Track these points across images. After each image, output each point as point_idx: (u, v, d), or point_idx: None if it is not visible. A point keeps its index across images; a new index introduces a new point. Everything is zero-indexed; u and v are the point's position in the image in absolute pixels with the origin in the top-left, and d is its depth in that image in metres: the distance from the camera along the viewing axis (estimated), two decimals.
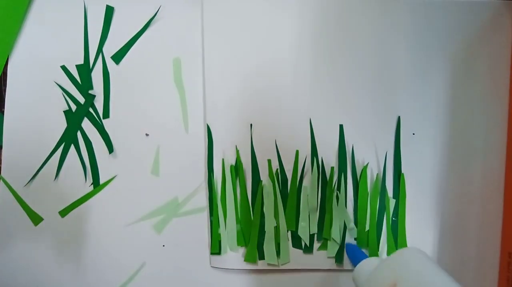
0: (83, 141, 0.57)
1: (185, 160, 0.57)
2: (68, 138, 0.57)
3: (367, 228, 0.56)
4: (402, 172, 0.56)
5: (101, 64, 0.57)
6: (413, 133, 0.57)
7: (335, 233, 0.55)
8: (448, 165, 0.57)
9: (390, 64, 0.57)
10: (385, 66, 0.57)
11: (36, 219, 0.56)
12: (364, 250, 0.55)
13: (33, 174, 0.56)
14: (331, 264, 0.56)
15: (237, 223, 0.56)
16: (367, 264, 0.48)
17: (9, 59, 0.57)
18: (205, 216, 0.56)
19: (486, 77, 0.58)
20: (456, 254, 0.57)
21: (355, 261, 0.50)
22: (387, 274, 0.43)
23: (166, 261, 0.56)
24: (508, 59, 0.58)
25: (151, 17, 0.57)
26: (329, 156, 0.56)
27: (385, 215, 0.56)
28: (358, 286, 0.48)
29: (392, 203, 0.56)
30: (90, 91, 0.57)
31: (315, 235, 0.56)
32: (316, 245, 0.56)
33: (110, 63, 0.58)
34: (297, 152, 0.56)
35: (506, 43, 0.58)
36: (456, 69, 0.58)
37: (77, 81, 0.57)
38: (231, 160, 0.56)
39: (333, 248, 0.55)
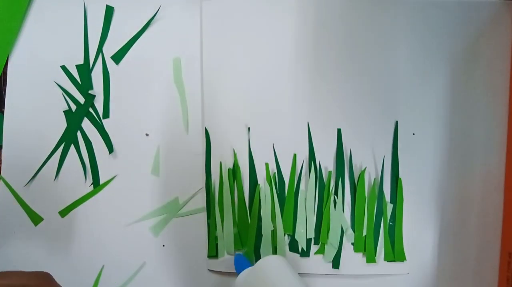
0: (83, 142, 0.57)
1: (185, 160, 0.57)
2: (68, 139, 0.57)
3: (364, 232, 0.56)
4: (400, 176, 0.56)
5: (101, 64, 0.58)
6: (413, 133, 0.57)
7: (332, 237, 0.55)
8: (448, 165, 0.57)
9: (389, 66, 0.56)
10: (384, 68, 0.56)
11: (36, 219, 0.57)
12: (360, 254, 0.56)
13: (33, 174, 0.57)
14: (327, 268, 0.56)
15: (234, 227, 0.56)
16: (243, 274, 0.50)
17: (9, 59, 0.57)
18: (205, 216, 0.57)
19: (486, 77, 0.57)
20: (456, 254, 0.57)
21: (238, 271, 0.51)
22: (250, 284, 0.49)
23: (166, 261, 0.57)
24: (508, 59, 0.57)
25: (151, 17, 0.57)
26: (326, 160, 0.56)
27: (382, 220, 0.56)
28: None
29: (389, 207, 0.56)
30: (90, 91, 0.57)
31: (312, 239, 0.56)
32: (313, 249, 0.56)
33: (110, 63, 0.58)
34: (294, 155, 0.56)
35: (506, 43, 0.58)
36: (456, 69, 0.57)
37: (77, 81, 0.57)
38: (228, 163, 0.56)
39: (330, 253, 0.55)
